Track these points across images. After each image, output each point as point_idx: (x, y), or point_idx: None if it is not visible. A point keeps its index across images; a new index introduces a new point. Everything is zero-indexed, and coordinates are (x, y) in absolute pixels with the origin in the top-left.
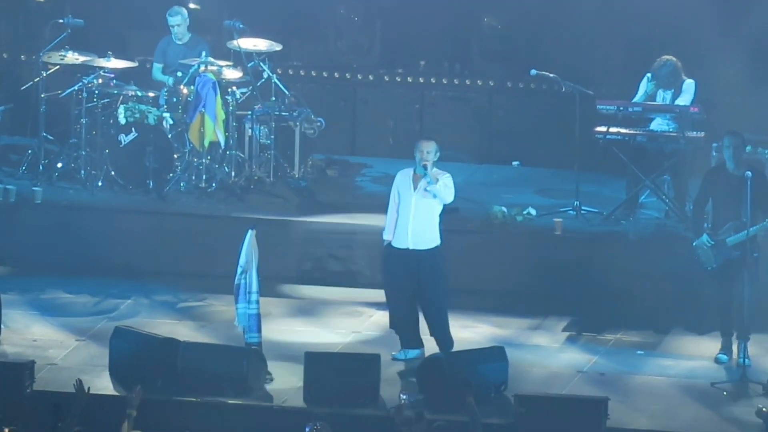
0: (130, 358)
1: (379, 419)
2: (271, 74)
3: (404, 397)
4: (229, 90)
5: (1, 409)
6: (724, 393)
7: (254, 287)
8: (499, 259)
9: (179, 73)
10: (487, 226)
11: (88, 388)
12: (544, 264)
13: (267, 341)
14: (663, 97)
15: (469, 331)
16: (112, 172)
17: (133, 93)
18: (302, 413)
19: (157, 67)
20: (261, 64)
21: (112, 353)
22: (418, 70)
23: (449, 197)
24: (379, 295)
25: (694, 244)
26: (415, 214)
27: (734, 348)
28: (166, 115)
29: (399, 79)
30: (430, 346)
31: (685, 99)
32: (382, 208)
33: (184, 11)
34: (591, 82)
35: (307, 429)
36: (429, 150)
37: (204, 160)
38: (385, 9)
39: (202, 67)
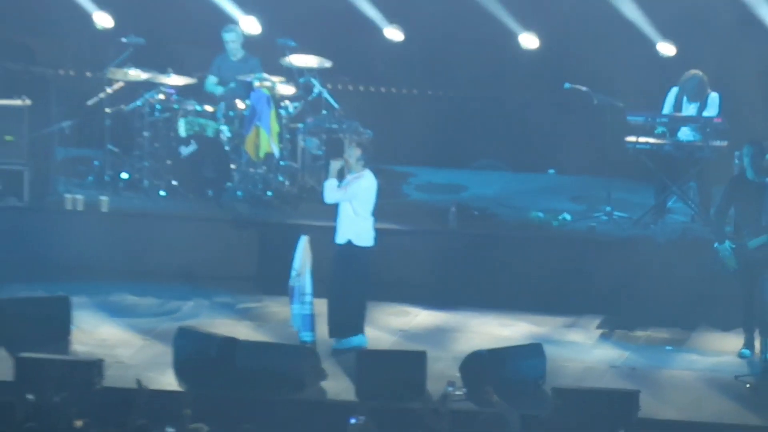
0: (193, 357)
1: (425, 412)
2: (321, 89)
3: (450, 388)
4: (283, 104)
5: (73, 404)
6: (747, 385)
7: (308, 289)
8: (537, 261)
9: (232, 84)
10: (526, 230)
11: (146, 386)
12: (578, 266)
13: (320, 340)
14: (689, 108)
15: (509, 329)
16: (174, 182)
17: (193, 107)
18: (354, 408)
19: (211, 78)
20: (312, 79)
21: (175, 352)
22: (458, 84)
23: (325, 195)
24: (424, 295)
25: (715, 246)
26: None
27: (756, 343)
28: (224, 128)
29: (441, 93)
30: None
31: (710, 111)
32: (425, 213)
33: (239, 29)
34: (621, 94)
35: (352, 420)
36: (350, 153)
37: (259, 170)
38: (427, 29)
39: (257, 83)
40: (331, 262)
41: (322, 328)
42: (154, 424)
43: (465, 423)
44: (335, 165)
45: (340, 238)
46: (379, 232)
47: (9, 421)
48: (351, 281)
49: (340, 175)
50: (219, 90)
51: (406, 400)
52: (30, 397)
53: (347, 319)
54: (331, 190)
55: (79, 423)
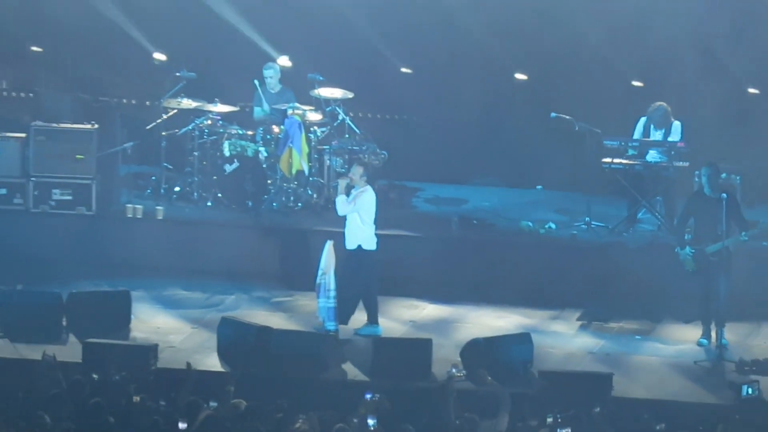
0: (234, 342)
1: (431, 390)
2: (344, 117)
3: (453, 369)
4: (312, 129)
5: (131, 382)
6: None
7: (332, 286)
8: (526, 263)
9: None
10: (517, 237)
11: (194, 368)
12: (561, 267)
13: (342, 329)
14: (655, 134)
15: (503, 321)
16: (219, 195)
17: (236, 131)
18: (369, 386)
19: (257, 110)
20: (337, 108)
21: (219, 338)
22: (460, 112)
23: (338, 208)
24: (431, 291)
25: (676, 250)
26: (347, 219)
27: (712, 334)
28: (262, 149)
29: (446, 120)
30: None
31: (674, 137)
32: (432, 222)
33: (277, 66)
34: (598, 122)
35: (367, 395)
36: (354, 171)
37: (292, 185)
38: (434, 64)
39: (290, 111)
40: (343, 264)
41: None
42: (200, 400)
43: (465, 400)
44: (343, 182)
45: (351, 244)
46: (392, 238)
47: (78, 397)
48: (362, 279)
49: (346, 190)
50: (259, 114)
51: (414, 381)
52: (94, 376)
53: (370, 311)
54: (342, 204)
55: (137, 398)
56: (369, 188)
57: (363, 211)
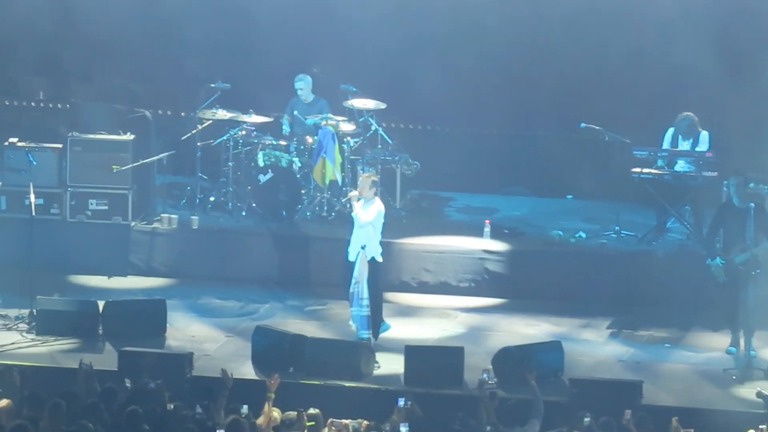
0: (268, 350)
1: (464, 398)
2: (377, 127)
3: (485, 376)
4: (345, 140)
5: (168, 390)
6: (733, 377)
7: (365, 294)
8: (557, 272)
9: (309, 122)
10: (547, 246)
11: (231, 374)
12: (591, 276)
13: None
14: (683, 144)
15: (533, 329)
16: (253, 204)
17: (270, 142)
18: (403, 394)
19: (286, 119)
20: (370, 119)
21: (254, 346)
22: (492, 123)
23: (359, 221)
24: (464, 300)
25: (707, 262)
26: (355, 232)
27: (741, 342)
28: (296, 159)
29: (477, 130)
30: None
31: (702, 147)
32: (465, 231)
33: (308, 78)
34: (628, 132)
35: (400, 402)
36: (362, 184)
37: (325, 195)
38: (466, 75)
39: (324, 122)
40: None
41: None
42: (234, 406)
43: (497, 407)
44: (354, 195)
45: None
46: (425, 247)
47: (112, 404)
48: (373, 291)
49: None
50: (286, 127)
51: (446, 388)
52: (127, 383)
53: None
54: (362, 216)
55: (170, 406)
56: (378, 199)
57: (377, 222)
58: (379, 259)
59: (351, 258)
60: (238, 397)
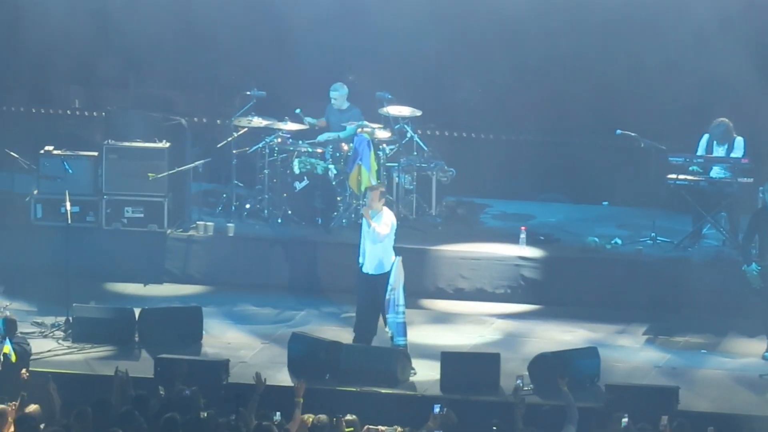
0: (304, 358)
1: (500, 404)
2: (413, 134)
3: (519, 382)
4: (380, 147)
5: (204, 396)
6: None
7: (401, 301)
8: (593, 278)
9: (343, 133)
10: (583, 252)
11: (265, 379)
12: (627, 282)
13: (411, 343)
14: (718, 151)
15: (569, 335)
16: (289, 212)
17: (305, 149)
18: (439, 400)
19: (318, 121)
20: (405, 126)
21: (290, 353)
22: (527, 130)
23: (379, 237)
24: (500, 306)
25: (743, 268)
26: (368, 244)
27: None
28: (331, 166)
29: (513, 137)
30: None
31: (737, 153)
32: (500, 238)
33: (344, 87)
34: (663, 138)
35: (435, 408)
36: (372, 198)
37: (361, 202)
38: (501, 82)
39: (359, 129)
40: (374, 290)
41: (414, 333)
42: (266, 412)
43: (532, 414)
44: (367, 211)
45: (380, 269)
46: (460, 254)
47: (146, 411)
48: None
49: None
50: (324, 137)
51: (482, 394)
52: (161, 390)
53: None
54: (379, 230)
55: (204, 414)
56: (387, 210)
57: (391, 234)
58: (389, 269)
59: (365, 270)
60: (272, 403)
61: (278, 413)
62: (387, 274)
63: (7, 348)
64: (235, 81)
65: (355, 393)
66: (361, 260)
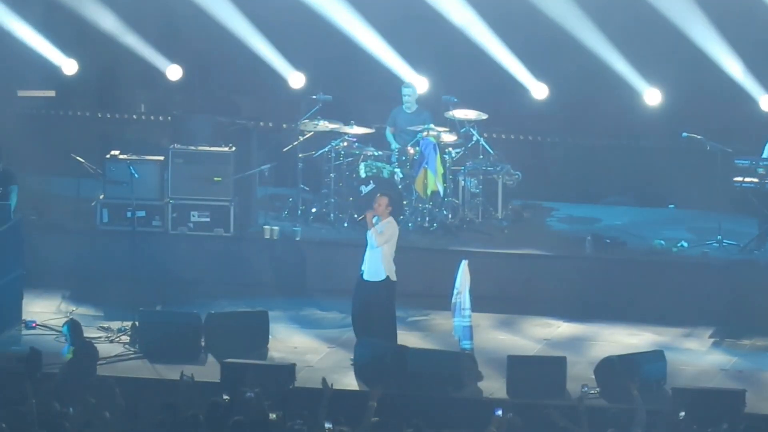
0: (370, 362)
1: (566, 408)
2: (479, 138)
3: (585, 389)
4: (446, 150)
5: (268, 400)
6: None
7: (467, 305)
8: (659, 281)
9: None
10: (649, 255)
11: (332, 384)
12: (693, 285)
13: (477, 347)
14: None
15: (636, 338)
16: (355, 215)
17: (371, 153)
18: (505, 404)
19: (388, 129)
20: (471, 129)
21: (356, 357)
22: (593, 133)
23: (374, 243)
24: (565, 309)
25: None
26: (368, 251)
27: None
28: (397, 170)
29: (578, 141)
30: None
31: None
32: (566, 242)
33: (415, 87)
34: (729, 141)
35: (498, 411)
36: (379, 203)
37: (427, 206)
38: (567, 85)
39: (425, 132)
40: (371, 297)
41: (480, 337)
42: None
43: (598, 417)
44: (370, 215)
45: (378, 276)
46: (526, 257)
47: (214, 415)
48: (390, 311)
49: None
50: (395, 145)
51: (548, 398)
52: (225, 396)
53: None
54: (376, 237)
55: (273, 416)
56: (392, 219)
57: (393, 242)
58: (393, 278)
59: (364, 276)
60: (339, 408)
61: (329, 425)
62: (381, 283)
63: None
64: (302, 85)
65: (420, 397)
66: (362, 268)
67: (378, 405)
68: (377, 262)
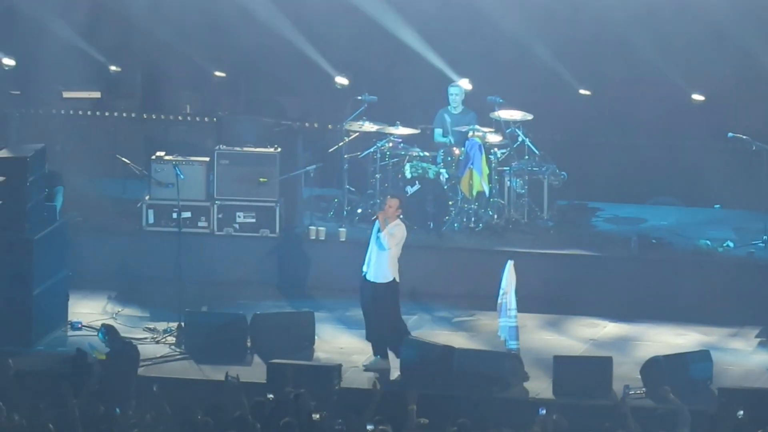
0: (417, 362)
1: (612, 408)
2: (524, 138)
3: (630, 391)
4: (492, 151)
5: (315, 400)
6: None
7: (513, 305)
8: (705, 281)
9: (451, 139)
10: (695, 255)
11: (381, 386)
12: (740, 285)
13: (523, 348)
14: None
15: (682, 338)
16: (401, 216)
17: (417, 153)
18: (551, 404)
19: (437, 131)
20: (516, 130)
21: (402, 358)
22: (639, 133)
23: (385, 245)
24: (610, 309)
25: None
26: (375, 253)
27: None
28: (443, 170)
29: (624, 141)
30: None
31: None
32: (612, 242)
33: (461, 86)
34: None
35: (541, 411)
36: (390, 205)
37: (472, 206)
38: (612, 85)
39: (471, 133)
40: (377, 298)
41: (526, 337)
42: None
43: (645, 417)
44: (382, 216)
45: (385, 278)
46: (572, 257)
47: (261, 415)
48: (396, 312)
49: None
50: (446, 140)
51: (595, 398)
52: (270, 396)
53: (392, 340)
54: (389, 239)
55: (316, 416)
56: (400, 222)
57: (400, 245)
58: (398, 279)
59: (369, 277)
60: (385, 408)
61: (371, 426)
62: (387, 285)
63: (100, 354)
64: (347, 86)
65: (467, 397)
66: (365, 269)
67: (424, 405)
68: (383, 264)
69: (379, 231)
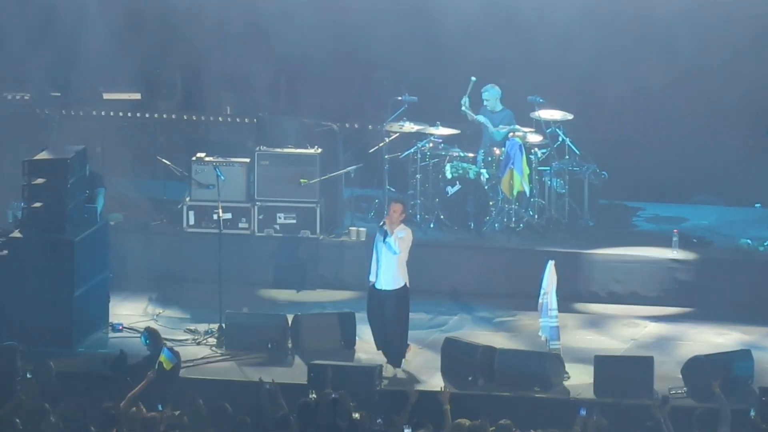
0: (458, 362)
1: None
2: (564, 138)
3: (672, 391)
4: (532, 150)
5: (355, 400)
6: None
7: (554, 305)
8: (746, 280)
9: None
10: (736, 254)
11: (416, 390)
12: None
13: (564, 347)
14: None
15: (723, 337)
16: (441, 216)
17: (457, 154)
18: (592, 404)
19: (465, 100)
20: (557, 130)
21: (443, 358)
22: (678, 132)
23: (395, 249)
24: (653, 309)
25: None
26: (383, 260)
27: None
28: (483, 171)
29: (664, 140)
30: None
31: None
32: (653, 241)
33: (495, 88)
34: None
35: (582, 411)
36: (394, 210)
37: (513, 206)
38: (652, 85)
39: (511, 134)
40: (389, 305)
41: (567, 337)
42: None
43: (686, 416)
44: (389, 221)
45: (396, 284)
46: (613, 257)
47: (306, 415)
48: (406, 316)
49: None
50: (499, 135)
51: (636, 398)
52: (312, 394)
53: (403, 348)
54: (398, 243)
55: (356, 415)
56: (405, 227)
57: (407, 250)
58: (408, 284)
59: (378, 286)
60: (425, 409)
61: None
62: (399, 291)
63: (163, 357)
64: (387, 86)
65: (509, 397)
66: (372, 278)
67: (465, 406)
68: (392, 271)
69: (385, 238)
